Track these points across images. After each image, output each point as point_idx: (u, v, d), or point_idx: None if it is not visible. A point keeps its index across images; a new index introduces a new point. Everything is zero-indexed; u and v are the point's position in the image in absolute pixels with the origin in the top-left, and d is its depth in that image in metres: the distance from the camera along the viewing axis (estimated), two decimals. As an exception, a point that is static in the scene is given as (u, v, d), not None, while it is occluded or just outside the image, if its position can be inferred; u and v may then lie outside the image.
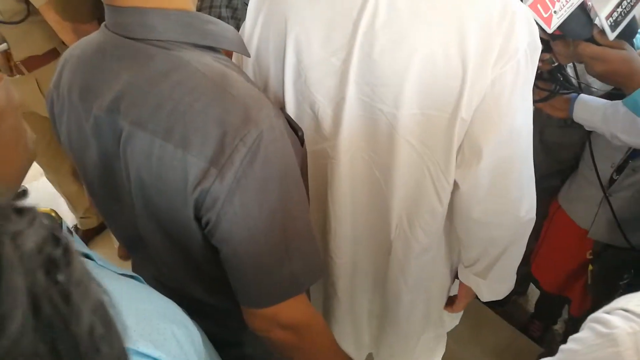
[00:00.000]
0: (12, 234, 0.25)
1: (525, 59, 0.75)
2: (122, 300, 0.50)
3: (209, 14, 1.39)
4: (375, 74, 0.78)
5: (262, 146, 0.61)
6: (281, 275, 0.68)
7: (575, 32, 0.97)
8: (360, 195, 0.93)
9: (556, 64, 1.10)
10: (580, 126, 1.22)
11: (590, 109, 1.16)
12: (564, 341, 0.54)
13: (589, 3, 0.93)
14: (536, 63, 0.78)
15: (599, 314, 0.51)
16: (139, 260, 0.92)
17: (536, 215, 0.91)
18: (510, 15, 0.72)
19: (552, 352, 0.55)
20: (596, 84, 1.20)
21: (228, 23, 1.41)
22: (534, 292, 2.09)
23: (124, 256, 2.11)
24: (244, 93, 0.64)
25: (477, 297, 1.10)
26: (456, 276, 1.12)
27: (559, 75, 1.13)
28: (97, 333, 0.27)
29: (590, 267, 1.46)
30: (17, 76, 1.77)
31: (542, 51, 0.80)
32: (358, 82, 0.80)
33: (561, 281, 1.61)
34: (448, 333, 1.33)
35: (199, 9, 1.41)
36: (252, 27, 0.88)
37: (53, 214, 0.66)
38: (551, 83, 1.14)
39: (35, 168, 2.04)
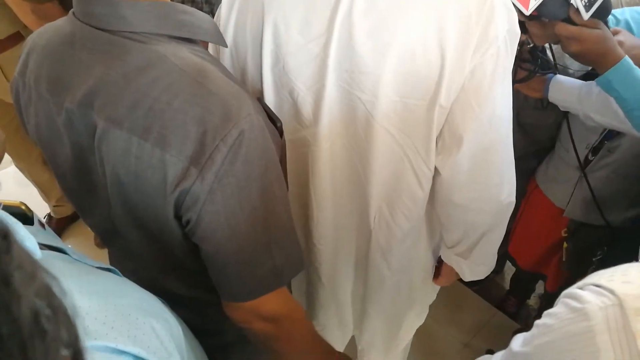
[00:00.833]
0: None
1: (505, 46, 0.75)
2: (98, 294, 0.49)
3: (181, -2, 1.35)
4: (354, 61, 0.77)
5: (243, 145, 0.60)
6: (263, 270, 0.68)
7: (552, 13, 0.97)
8: (340, 182, 0.93)
9: (531, 45, 1.10)
10: (555, 108, 1.24)
11: (565, 89, 1.17)
12: (539, 316, 0.55)
13: (565, -17, 0.93)
14: (515, 50, 0.78)
15: (572, 289, 0.51)
16: (115, 253, 0.90)
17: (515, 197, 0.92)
18: (489, 3, 0.72)
19: (528, 328, 0.56)
20: (574, 65, 1.21)
21: (202, 8, 1.38)
22: (509, 270, 2.13)
23: (100, 245, 2.08)
24: (224, 89, 0.62)
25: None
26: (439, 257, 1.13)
27: (538, 54, 1.14)
28: (42, 318, 0.27)
29: (565, 244, 1.50)
30: (-20, 61, 1.69)
31: (519, 33, 0.80)
32: (337, 69, 0.79)
33: (537, 259, 1.65)
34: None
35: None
36: (228, 12, 0.86)
37: (23, 207, 0.63)
38: (530, 64, 1.15)
39: (5, 156, 1.97)
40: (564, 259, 1.52)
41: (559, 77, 1.19)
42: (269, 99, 0.87)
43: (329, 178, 0.92)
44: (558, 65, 1.20)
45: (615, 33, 1.02)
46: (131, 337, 0.47)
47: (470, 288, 2.10)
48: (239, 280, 0.68)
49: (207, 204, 0.61)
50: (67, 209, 2.28)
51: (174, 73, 0.61)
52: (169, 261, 0.75)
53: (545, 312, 0.54)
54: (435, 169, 0.87)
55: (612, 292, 0.47)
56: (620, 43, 0.99)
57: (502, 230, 0.98)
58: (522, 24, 1.03)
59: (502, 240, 1.02)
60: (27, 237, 0.46)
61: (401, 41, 0.74)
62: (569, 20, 0.96)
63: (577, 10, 0.94)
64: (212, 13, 0.87)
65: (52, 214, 2.31)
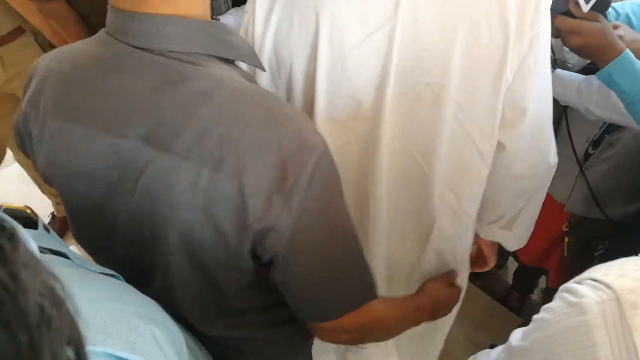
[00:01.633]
0: None
1: (548, 19, 0.79)
2: (99, 300, 0.49)
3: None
4: (421, 45, 0.79)
5: (321, 167, 0.59)
6: (344, 290, 0.68)
7: (551, 6, 0.97)
8: (396, 177, 0.92)
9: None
10: (555, 102, 1.23)
11: (565, 83, 1.17)
12: (540, 311, 0.55)
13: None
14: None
15: (570, 283, 0.52)
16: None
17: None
18: None
19: (530, 323, 0.56)
20: (573, 59, 1.20)
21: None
22: (512, 264, 2.13)
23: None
24: (290, 113, 0.60)
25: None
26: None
27: None
28: (46, 312, 0.28)
29: (567, 239, 1.50)
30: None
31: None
32: (402, 56, 0.80)
33: (539, 254, 1.65)
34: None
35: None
36: (264, 27, 0.84)
37: (28, 211, 0.62)
38: None
39: (8, 153, 1.98)
40: (565, 254, 1.51)
41: (559, 71, 1.19)
42: (320, 106, 0.86)
43: (385, 174, 0.91)
44: (557, 60, 1.20)
45: (614, 28, 1.01)
46: (130, 344, 0.46)
47: (473, 283, 2.10)
48: (322, 304, 0.68)
49: (296, 232, 0.59)
50: (70, 207, 2.26)
51: (237, 98, 0.58)
52: (213, 304, 0.72)
53: (543, 307, 0.54)
54: (497, 144, 0.89)
55: (608, 286, 0.47)
56: (620, 37, 0.98)
57: (544, 193, 1.02)
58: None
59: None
60: (27, 240, 0.46)
61: (466, 23, 0.76)
62: (568, 14, 0.96)
63: (577, 3, 0.93)
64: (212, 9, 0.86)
65: (55, 213, 2.31)
